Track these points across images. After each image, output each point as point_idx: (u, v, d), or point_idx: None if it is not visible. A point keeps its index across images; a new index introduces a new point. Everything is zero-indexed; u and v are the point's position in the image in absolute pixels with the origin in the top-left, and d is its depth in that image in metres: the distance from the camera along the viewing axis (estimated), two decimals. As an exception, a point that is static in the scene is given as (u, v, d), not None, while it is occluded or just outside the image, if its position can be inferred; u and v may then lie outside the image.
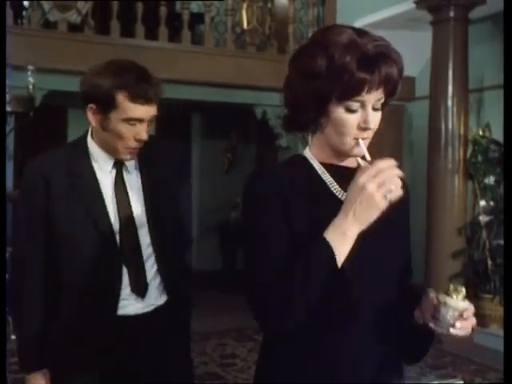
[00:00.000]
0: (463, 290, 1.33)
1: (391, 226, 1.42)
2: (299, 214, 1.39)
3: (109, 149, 1.98)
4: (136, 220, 2.01)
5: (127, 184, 2.02)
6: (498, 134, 6.16)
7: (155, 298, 2.04)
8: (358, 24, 6.23)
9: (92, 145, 2.02)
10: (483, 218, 5.95)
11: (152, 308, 2.04)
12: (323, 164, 1.46)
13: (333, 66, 1.33)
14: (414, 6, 5.77)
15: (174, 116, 9.60)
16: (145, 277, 2.02)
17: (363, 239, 1.34)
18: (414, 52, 6.57)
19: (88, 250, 1.96)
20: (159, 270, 2.04)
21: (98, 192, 1.98)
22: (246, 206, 1.45)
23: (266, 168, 1.52)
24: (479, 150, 5.91)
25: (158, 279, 2.04)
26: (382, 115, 1.43)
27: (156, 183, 2.05)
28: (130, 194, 2.02)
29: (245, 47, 6.96)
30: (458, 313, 1.34)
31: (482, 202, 5.98)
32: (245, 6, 7.07)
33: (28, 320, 2.00)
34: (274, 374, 1.47)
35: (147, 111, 1.92)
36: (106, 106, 1.89)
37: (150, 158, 2.04)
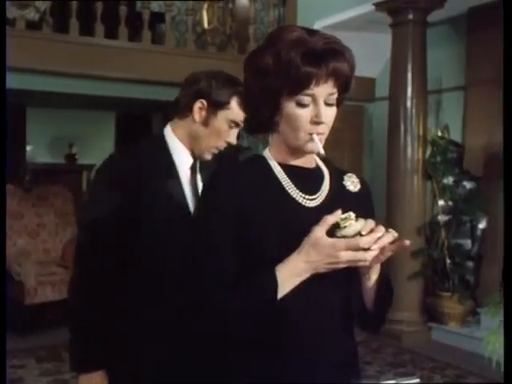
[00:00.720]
0: (351, 214, 1.32)
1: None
2: (254, 215, 1.39)
3: (199, 145, 2.09)
4: None
5: (199, 185, 2.12)
6: (456, 134, 6.27)
7: None
8: (318, 25, 6.28)
9: (174, 141, 2.11)
10: (442, 218, 6.04)
11: None
12: (281, 164, 1.47)
13: (280, 62, 1.36)
14: (373, 8, 5.82)
15: (135, 116, 9.55)
16: None
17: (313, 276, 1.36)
18: (374, 53, 6.65)
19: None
20: None
21: (183, 192, 2.05)
22: (200, 205, 1.46)
23: (224, 168, 1.52)
24: (438, 150, 6.01)
25: None
26: (339, 114, 1.44)
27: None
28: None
29: (205, 47, 6.94)
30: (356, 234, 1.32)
31: (441, 202, 6.08)
32: (205, 5, 7.05)
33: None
34: None
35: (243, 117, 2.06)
36: (220, 105, 2.05)
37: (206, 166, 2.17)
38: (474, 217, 5.96)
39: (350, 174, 1.57)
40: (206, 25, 7.02)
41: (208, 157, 2.12)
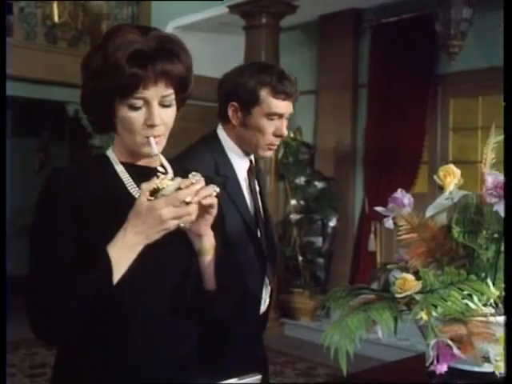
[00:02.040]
0: (167, 176, 1.33)
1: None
2: (94, 215, 1.37)
3: (249, 146, 2.03)
4: (262, 222, 2.09)
5: (256, 186, 2.10)
6: (308, 136, 6.50)
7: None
8: (172, 25, 6.27)
9: (228, 144, 2.04)
10: (294, 217, 6.24)
11: (266, 306, 2.12)
12: (124, 164, 1.46)
13: (107, 64, 1.34)
14: (227, 10, 5.89)
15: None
16: (270, 276, 2.09)
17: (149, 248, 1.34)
18: (229, 55, 6.72)
19: (242, 250, 1.94)
20: (272, 272, 2.12)
21: (242, 193, 2.02)
22: (37, 206, 1.42)
23: (62, 168, 1.48)
24: (290, 151, 6.20)
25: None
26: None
27: (263, 188, 2.18)
28: (258, 197, 2.10)
29: (56, 42, 6.70)
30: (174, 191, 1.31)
31: (293, 201, 6.28)
32: (56, -1, 6.80)
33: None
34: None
35: (287, 106, 2.01)
36: (250, 102, 1.98)
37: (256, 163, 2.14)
38: (324, 215, 6.21)
39: (194, 173, 1.57)
40: (56, 19, 6.76)
41: (266, 153, 2.06)
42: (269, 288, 2.13)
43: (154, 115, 1.36)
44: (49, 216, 1.38)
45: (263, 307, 2.12)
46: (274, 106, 1.99)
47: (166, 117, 1.39)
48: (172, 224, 1.30)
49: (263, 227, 2.09)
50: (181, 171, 1.53)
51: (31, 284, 1.37)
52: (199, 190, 1.32)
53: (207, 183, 1.36)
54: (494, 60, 5.14)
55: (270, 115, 1.99)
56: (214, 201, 1.35)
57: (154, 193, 1.31)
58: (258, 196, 2.12)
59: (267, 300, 2.14)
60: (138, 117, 1.37)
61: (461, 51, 5.01)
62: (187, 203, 1.29)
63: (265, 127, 2.00)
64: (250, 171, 2.10)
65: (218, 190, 1.36)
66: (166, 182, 1.31)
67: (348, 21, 6.19)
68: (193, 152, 2.07)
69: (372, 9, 5.96)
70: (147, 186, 1.30)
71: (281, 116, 2.01)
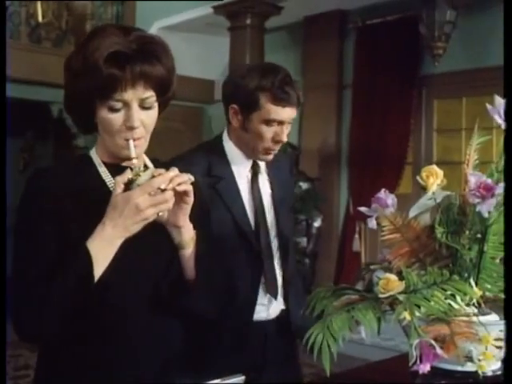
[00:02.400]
0: (140, 167, 1.33)
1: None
2: (76, 215, 1.37)
3: (247, 149, 2.00)
4: (268, 223, 2.03)
5: (261, 188, 2.04)
6: (293, 137, 6.49)
7: (278, 302, 2.06)
8: (156, 25, 6.25)
9: (229, 145, 2.02)
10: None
11: (278, 313, 2.06)
12: (107, 164, 1.45)
13: (87, 65, 1.33)
14: (212, 10, 5.89)
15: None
16: (276, 279, 2.04)
17: (129, 243, 1.34)
18: (214, 56, 6.72)
19: (229, 250, 1.92)
20: (283, 274, 2.07)
21: (238, 194, 1.99)
22: (19, 206, 1.41)
23: (45, 168, 1.48)
24: (275, 152, 6.20)
25: (280, 283, 2.06)
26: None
27: (280, 189, 2.10)
28: (264, 198, 2.04)
29: (40, 42, 6.66)
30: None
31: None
32: (40, -2, 6.76)
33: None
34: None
35: (288, 114, 1.94)
36: (249, 106, 1.93)
37: (274, 163, 2.08)
38: (309, 216, 6.21)
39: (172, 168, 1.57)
40: (40, 18, 6.71)
41: (265, 158, 2.01)
42: (278, 292, 2.06)
43: (133, 117, 1.35)
44: (31, 216, 1.38)
45: (267, 313, 2.06)
46: (274, 113, 1.93)
47: (146, 119, 1.38)
48: (149, 213, 1.30)
49: (265, 227, 2.04)
50: None
51: (14, 284, 1.37)
52: (173, 177, 1.31)
53: (193, 184, 1.36)
54: (477, 61, 5.18)
55: (269, 122, 1.94)
56: (189, 187, 1.35)
57: (129, 184, 1.31)
58: (266, 197, 2.08)
59: (275, 306, 2.07)
60: (117, 119, 1.36)
61: (445, 53, 5.04)
62: (162, 190, 1.29)
63: (263, 133, 1.95)
64: (253, 172, 2.06)
65: (192, 178, 1.35)
66: (140, 172, 1.32)
67: (333, 22, 6.21)
68: (188, 154, 2.06)
69: (357, 10, 5.98)
70: (121, 178, 1.31)
71: (280, 122, 1.96)
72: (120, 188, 1.31)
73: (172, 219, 1.39)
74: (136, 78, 1.33)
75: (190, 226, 1.43)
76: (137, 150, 1.38)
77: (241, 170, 2.04)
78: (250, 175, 2.06)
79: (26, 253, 1.37)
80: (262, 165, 2.09)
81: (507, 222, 1.38)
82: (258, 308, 2.03)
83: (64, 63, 1.42)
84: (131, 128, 1.36)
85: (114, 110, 1.35)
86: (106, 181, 1.43)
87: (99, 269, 1.32)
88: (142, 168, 1.33)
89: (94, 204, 1.37)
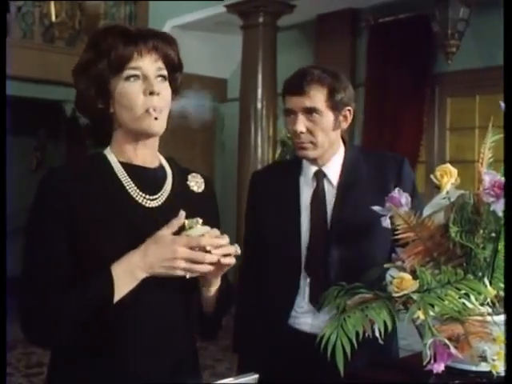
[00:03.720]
0: (198, 220, 1.33)
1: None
2: (90, 214, 1.35)
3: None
4: (329, 234, 1.94)
5: (327, 196, 1.97)
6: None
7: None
8: (169, 24, 6.25)
9: None
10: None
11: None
12: (122, 163, 1.43)
13: (100, 51, 1.36)
14: (224, 9, 5.89)
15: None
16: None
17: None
18: (226, 54, 6.72)
19: (273, 257, 1.96)
20: None
21: (296, 201, 1.97)
22: (32, 206, 1.40)
23: (58, 168, 1.47)
24: (288, 150, 6.18)
25: None
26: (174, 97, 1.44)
27: (352, 200, 1.96)
28: (328, 207, 1.96)
29: (53, 41, 6.69)
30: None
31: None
32: (53, -2, 6.79)
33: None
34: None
35: (295, 102, 1.93)
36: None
37: (355, 171, 1.98)
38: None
39: (194, 174, 1.55)
40: (53, 18, 6.74)
41: (299, 154, 1.98)
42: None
43: (152, 82, 1.36)
44: (43, 217, 1.37)
45: (307, 326, 1.97)
46: (286, 103, 1.98)
47: (163, 89, 1.39)
48: (180, 265, 1.29)
49: (325, 235, 1.95)
50: (180, 171, 1.53)
51: (24, 285, 1.36)
52: (222, 245, 1.31)
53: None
54: (491, 60, 5.14)
55: (286, 112, 1.99)
56: (233, 261, 1.34)
57: (180, 231, 1.32)
58: (331, 207, 1.96)
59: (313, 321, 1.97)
60: (135, 86, 1.36)
61: (458, 51, 5.01)
62: (206, 251, 1.29)
63: (287, 125, 2.01)
64: (317, 178, 1.99)
65: (239, 251, 1.35)
66: (194, 224, 1.32)
67: (345, 20, 6.19)
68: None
69: (369, 8, 5.96)
70: (177, 222, 1.31)
71: (292, 112, 1.95)
72: (172, 229, 1.31)
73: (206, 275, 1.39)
74: (150, 49, 1.37)
75: (219, 280, 1.43)
76: (159, 123, 1.38)
77: (306, 177, 2.02)
78: (315, 183, 2.00)
79: (38, 254, 1.36)
80: (333, 174, 2.00)
81: (507, 221, 1.37)
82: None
83: (73, 71, 1.43)
84: (151, 93, 1.36)
85: (130, 77, 1.36)
86: (122, 179, 1.42)
87: (119, 294, 1.31)
88: (199, 222, 1.32)
89: (109, 203, 1.37)
